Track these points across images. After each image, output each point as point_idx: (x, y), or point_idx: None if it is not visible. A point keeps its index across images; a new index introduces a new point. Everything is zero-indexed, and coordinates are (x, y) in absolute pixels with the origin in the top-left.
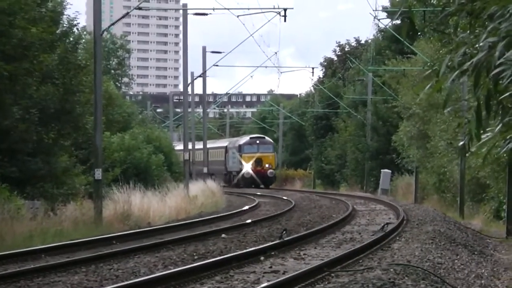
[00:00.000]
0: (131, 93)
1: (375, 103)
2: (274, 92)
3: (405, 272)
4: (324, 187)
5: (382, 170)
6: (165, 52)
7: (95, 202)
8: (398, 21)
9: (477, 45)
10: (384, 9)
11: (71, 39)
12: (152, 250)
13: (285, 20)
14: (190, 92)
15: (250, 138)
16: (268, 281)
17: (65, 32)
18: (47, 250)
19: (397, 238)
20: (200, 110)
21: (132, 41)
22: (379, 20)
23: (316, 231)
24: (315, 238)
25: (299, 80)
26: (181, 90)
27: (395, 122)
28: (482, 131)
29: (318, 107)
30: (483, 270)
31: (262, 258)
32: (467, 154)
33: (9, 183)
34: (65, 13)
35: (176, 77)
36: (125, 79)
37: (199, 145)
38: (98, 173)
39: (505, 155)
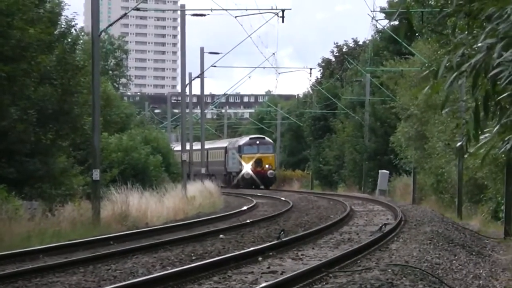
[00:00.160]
0: (129, 93)
1: (373, 104)
2: (272, 93)
3: (403, 273)
4: (322, 188)
5: (380, 171)
6: (163, 53)
7: (93, 202)
8: (396, 22)
9: (475, 46)
10: (382, 10)
11: (69, 40)
12: (150, 251)
13: (283, 21)
14: (188, 93)
15: (250, 138)
16: (266, 281)
17: (63, 33)
18: (45, 250)
19: (395, 238)
20: (198, 110)
21: (130, 42)
22: (377, 21)
23: (314, 231)
24: (313, 239)
25: (297, 81)
26: (179, 90)
27: (393, 123)
28: (480, 132)
29: (316, 108)
30: (481, 271)
31: (260, 258)
32: (465, 155)
33: (7, 184)
34: (63, 14)
35: (174, 78)
36: (123, 80)
37: (197, 146)
38: (96, 174)
39: (503, 155)
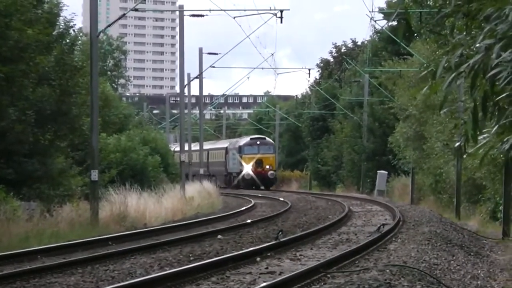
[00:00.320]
0: (127, 94)
1: (371, 105)
2: (270, 94)
3: (401, 273)
4: (320, 188)
5: (378, 171)
6: (162, 53)
7: (91, 203)
8: (395, 22)
9: (473, 47)
10: (381, 10)
11: (68, 40)
12: (148, 251)
13: (281, 22)
14: (186, 94)
15: (251, 139)
16: (265, 282)
17: (61, 33)
18: (44, 251)
19: (393, 239)
20: (196, 111)
21: (129, 43)
22: (375, 21)
23: (312, 232)
24: (311, 239)
25: (296, 81)
26: (178, 91)
27: (391, 123)
28: (478, 132)
29: (314, 109)
30: (479, 271)
31: (258, 259)
32: (464, 156)
33: (5, 184)
34: (62, 14)
35: (172, 79)
36: (122, 81)
37: (197, 147)
38: (95, 175)
39: (501, 156)
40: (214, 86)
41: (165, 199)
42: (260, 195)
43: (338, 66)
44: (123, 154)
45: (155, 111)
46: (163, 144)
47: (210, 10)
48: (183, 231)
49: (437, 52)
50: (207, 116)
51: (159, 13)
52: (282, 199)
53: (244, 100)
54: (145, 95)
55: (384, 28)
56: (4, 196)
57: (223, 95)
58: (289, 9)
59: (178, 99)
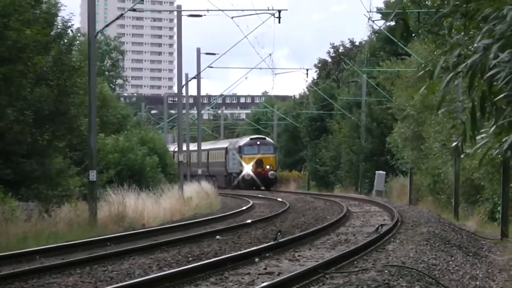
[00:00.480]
0: (125, 94)
1: (369, 105)
2: (268, 94)
3: (400, 274)
4: (318, 188)
5: (376, 172)
6: (159, 53)
7: (90, 203)
8: (393, 23)
9: (471, 47)
10: (379, 10)
11: (66, 40)
12: (146, 252)
13: (279, 22)
14: (184, 94)
15: (251, 139)
16: (263, 282)
17: (59, 33)
18: (42, 251)
19: (392, 239)
20: (194, 111)
21: (126, 43)
22: (373, 21)
23: (311, 232)
24: (309, 240)
25: (294, 81)
26: (176, 91)
27: (389, 124)
28: (476, 133)
29: (312, 109)
30: (477, 272)
31: (256, 259)
32: (461, 156)
33: (3, 185)
34: (59, 14)
35: (170, 79)
36: (119, 81)
37: (195, 147)
38: (93, 175)
39: (499, 156)
40: (212, 86)
41: (163, 200)
42: (258, 195)
43: (336, 66)
44: (121, 155)
45: (153, 111)
46: (161, 145)
47: (208, 10)
48: (181, 231)
49: (435, 52)
50: (205, 116)
51: (157, 13)
52: (280, 199)
53: (242, 100)
54: (143, 95)
55: (382, 28)
56: (2, 196)
57: (221, 95)
58: (287, 9)
59: (176, 99)
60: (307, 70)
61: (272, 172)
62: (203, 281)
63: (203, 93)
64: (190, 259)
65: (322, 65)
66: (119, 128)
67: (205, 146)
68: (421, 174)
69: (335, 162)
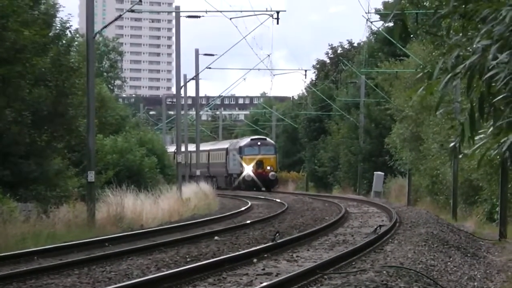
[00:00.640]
0: (124, 95)
1: (367, 106)
2: (267, 95)
3: (398, 274)
4: (317, 189)
5: (375, 173)
6: (158, 54)
7: (88, 204)
8: (391, 24)
9: (470, 48)
10: (377, 11)
11: (64, 41)
12: (145, 253)
13: (277, 23)
14: (183, 95)
15: (251, 139)
16: (261, 283)
17: (57, 34)
18: (40, 252)
19: (390, 240)
20: (193, 112)
21: (125, 44)
22: (371, 22)
23: (309, 233)
24: (308, 240)
25: (292, 82)
26: (174, 92)
27: (387, 125)
28: (475, 133)
29: (311, 110)
30: (476, 272)
31: (255, 260)
32: (459, 156)
33: (2, 186)
34: (58, 15)
35: (169, 80)
36: (118, 82)
37: (194, 148)
38: (91, 176)
39: (498, 157)
40: (210, 87)
41: (161, 200)
42: (257, 196)
43: (335, 67)
44: (120, 155)
45: (151, 112)
46: (160, 145)
47: (206, 11)
48: (179, 232)
49: (434, 53)
50: (204, 117)
51: (155, 14)
52: (278, 200)
53: (241, 101)
54: (142, 96)
55: (380, 29)
56: (1, 197)
57: (219, 96)
58: (285, 10)
59: (175, 100)
60: (306, 71)
61: (272, 173)
62: (201, 281)
63: (201, 94)
64: (188, 259)
65: (321, 66)
66: (117, 129)
67: (206, 146)
68: (420, 175)
69: (333, 163)
